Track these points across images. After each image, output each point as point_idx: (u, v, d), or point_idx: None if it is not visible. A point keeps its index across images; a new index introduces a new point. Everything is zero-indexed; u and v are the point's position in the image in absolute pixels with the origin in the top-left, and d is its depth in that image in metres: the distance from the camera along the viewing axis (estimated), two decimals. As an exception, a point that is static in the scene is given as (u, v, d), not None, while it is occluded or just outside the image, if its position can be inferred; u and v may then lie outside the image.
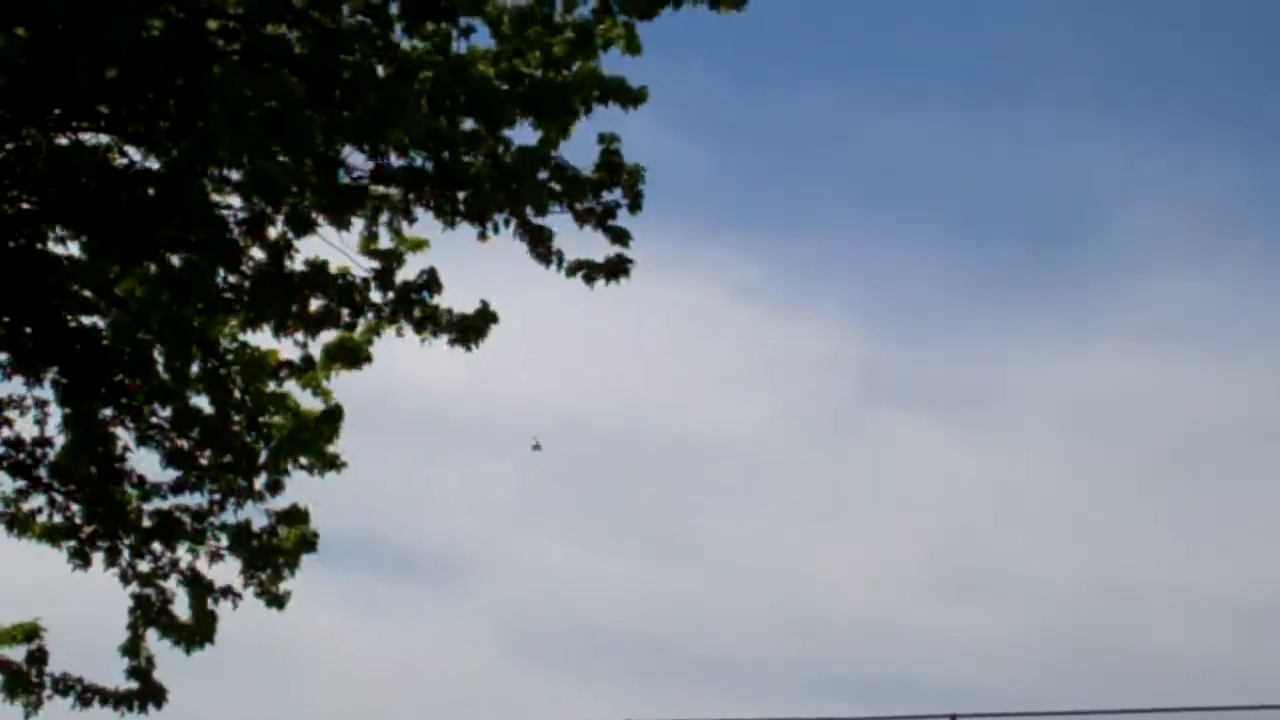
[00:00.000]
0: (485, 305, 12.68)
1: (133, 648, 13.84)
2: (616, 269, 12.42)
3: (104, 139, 11.72)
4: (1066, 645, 33.93)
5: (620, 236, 12.35)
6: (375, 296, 12.68)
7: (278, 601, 13.94)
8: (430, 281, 12.68)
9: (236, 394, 13.30)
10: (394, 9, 11.30)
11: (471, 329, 12.65)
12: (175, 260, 12.03)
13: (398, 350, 13.13)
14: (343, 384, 13.62)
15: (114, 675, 13.81)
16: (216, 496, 13.75)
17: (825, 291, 41.07)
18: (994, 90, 42.30)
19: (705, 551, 37.15)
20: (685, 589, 35.96)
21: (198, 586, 13.82)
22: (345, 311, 12.67)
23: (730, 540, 37.38)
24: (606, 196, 12.30)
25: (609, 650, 33.48)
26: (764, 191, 42.06)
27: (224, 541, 13.82)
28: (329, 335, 12.92)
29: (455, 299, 12.78)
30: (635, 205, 12.31)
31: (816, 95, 41.58)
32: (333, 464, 13.69)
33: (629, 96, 12.07)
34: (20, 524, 13.86)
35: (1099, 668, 32.13)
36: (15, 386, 13.34)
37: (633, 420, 38.04)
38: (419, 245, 12.78)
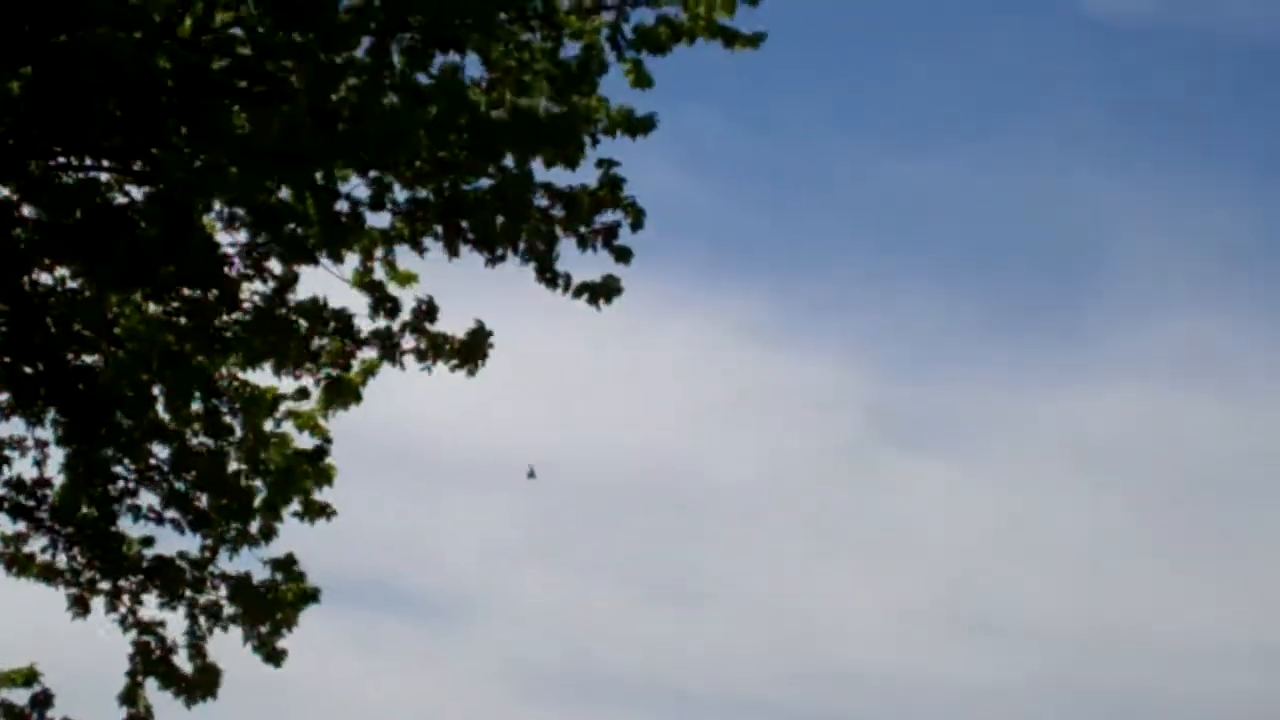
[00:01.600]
0: (480, 325, 12.57)
1: (130, 696, 13.69)
2: (608, 290, 12.29)
3: (105, 176, 11.65)
4: (1072, 687, 33.79)
5: (623, 255, 12.23)
6: (374, 328, 12.64)
7: (275, 658, 13.72)
8: (429, 310, 12.58)
9: (236, 433, 13.22)
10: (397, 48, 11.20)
11: (472, 352, 12.54)
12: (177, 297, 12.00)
13: (398, 387, 13.07)
14: (342, 423, 13.59)
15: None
16: (210, 542, 13.62)
17: (830, 330, 41.05)
18: (998, 128, 42.40)
19: (710, 591, 37.03)
20: (690, 629, 35.85)
21: (196, 636, 13.69)
22: (345, 345, 12.59)
23: (735, 580, 37.26)
24: (608, 217, 12.18)
25: (613, 690, 33.35)
26: (769, 230, 42.10)
27: (223, 591, 13.68)
28: (327, 372, 12.87)
29: (455, 330, 12.71)
30: (636, 224, 12.20)
31: (821, 133, 41.64)
32: (322, 512, 13.60)
33: (637, 126, 12.02)
34: (20, 564, 13.75)
35: (1105, 710, 31.98)
36: (15, 427, 13.29)
37: (636, 458, 37.95)
38: (408, 280, 12.68)
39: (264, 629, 13.63)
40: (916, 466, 39.72)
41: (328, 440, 13.49)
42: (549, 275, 12.29)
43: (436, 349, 12.60)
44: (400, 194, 11.96)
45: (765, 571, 37.00)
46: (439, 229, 12.09)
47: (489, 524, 36.09)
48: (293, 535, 13.82)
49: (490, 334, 12.57)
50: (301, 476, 13.36)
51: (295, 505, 13.53)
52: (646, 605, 36.26)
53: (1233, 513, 37.70)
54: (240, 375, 13.10)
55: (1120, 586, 36.85)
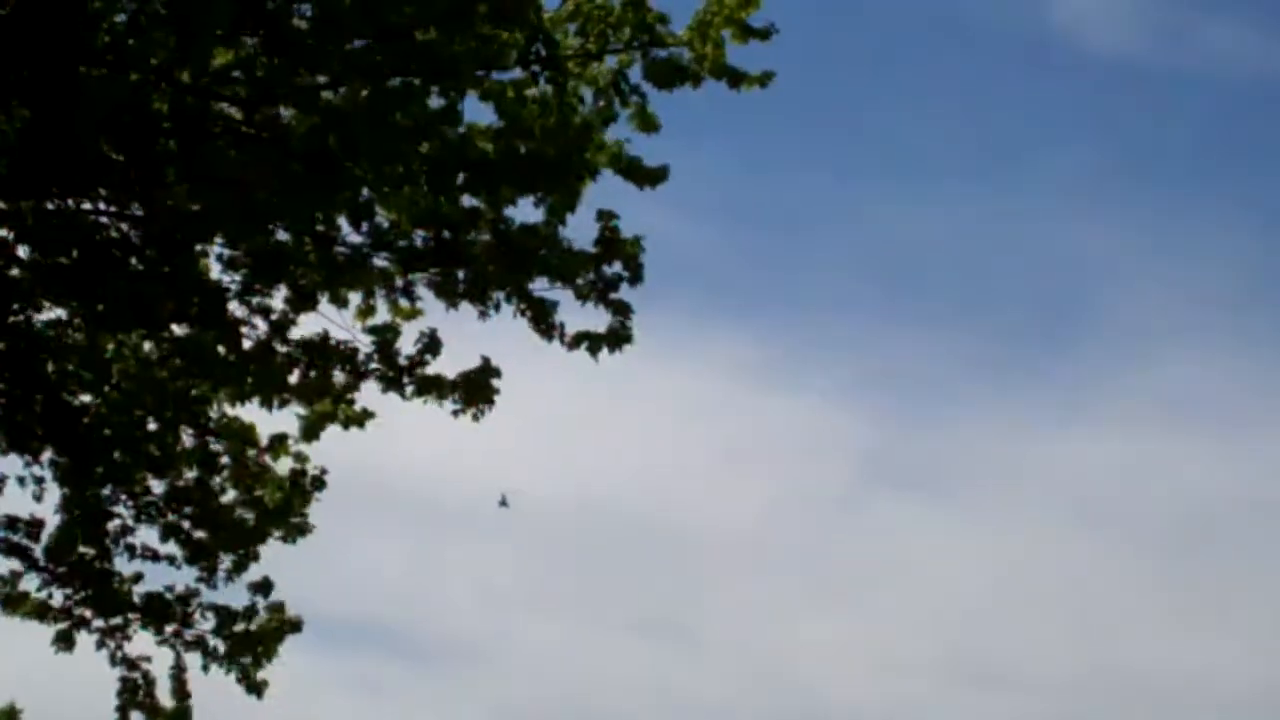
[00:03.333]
0: (486, 361, 12.49)
1: (119, 733, 13.77)
2: (619, 338, 12.21)
3: (103, 218, 11.69)
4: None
5: (621, 309, 12.18)
6: (375, 367, 12.55)
7: (256, 689, 13.76)
8: (431, 344, 12.50)
9: (226, 468, 13.27)
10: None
11: (477, 393, 12.47)
12: (176, 332, 12.01)
13: (399, 433, 13.06)
14: (341, 468, 13.69)
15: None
16: (204, 575, 13.68)
17: (825, 373, 41.16)
18: (995, 174, 42.59)
19: (704, 636, 37.02)
20: (683, 673, 35.80)
21: (180, 670, 13.74)
22: (344, 378, 12.60)
23: (730, 623, 37.26)
24: (607, 271, 12.10)
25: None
26: (765, 273, 42.27)
27: (210, 624, 13.71)
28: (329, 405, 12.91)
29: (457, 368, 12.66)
30: (636, 278, 12.12)
31: (817, 178, 41.84)
32: (301, 531, 13.60)
33: (646, 176, 11.96)
34: (12, 602, 13.78)
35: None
36: (11, 465, 13.33)
37: (632, 503, 38.00)
38: (414, 314, 12.62)
39: (246, 660, 13.67)
40: (910, 512, 39.79)
41: (322, 471, 13.50)
42: (545, 326, 12.24)
43: (439, 386, 12.52)
44: (398, 241, 11.93)
45: (759, 617, 37.04)
46: (432, 276, 12.05)
47: (486, 568, 36.16)
48: (286, 575, 13.99)
49: (496, 372, 12.48)
50: (293, 504, 13.42)
51: (278, 531, 13.58)
52: (640, 650, 36.25)
53: (1226, 556, 37.72)
54: (229, 410, 13.13)
55: (1115, 631, 36.85)
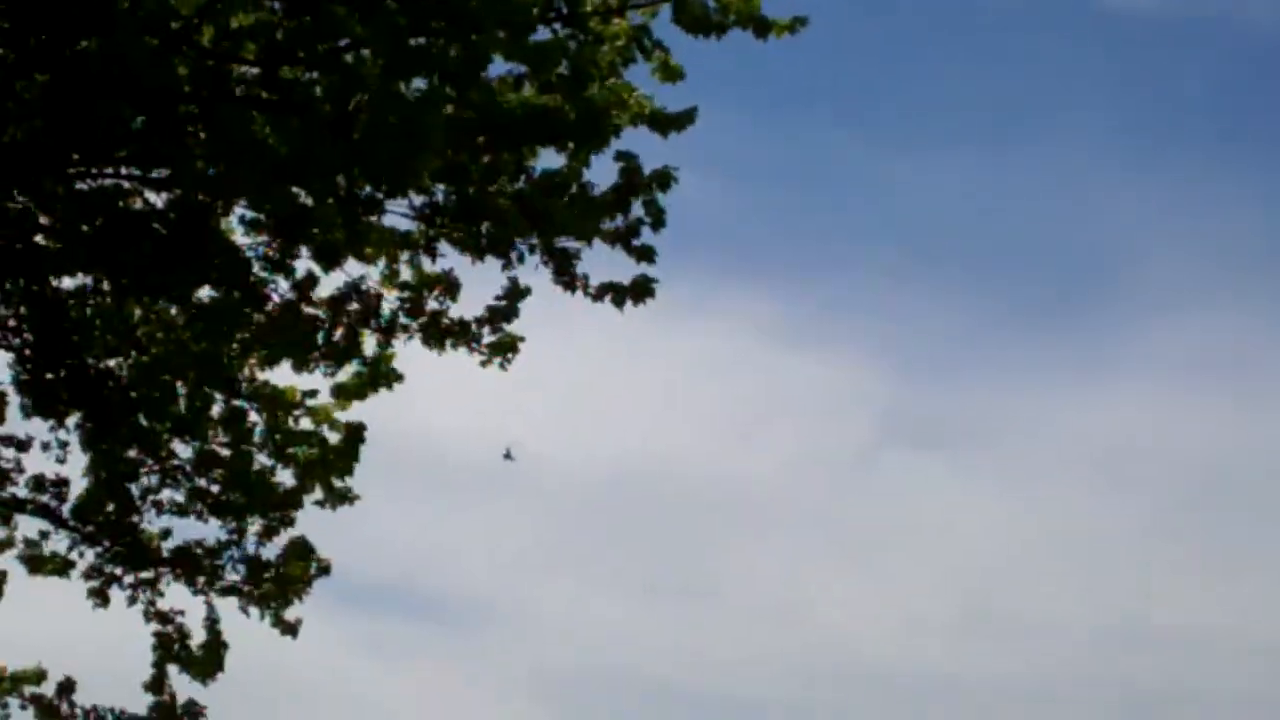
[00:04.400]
0: (514, 283, 12.39)
1: (156, 685, 13.93)
2: (641, 290, 12.09)
3: (125, 184, 11.74)
4: (1088, 686, 33.79)
5: (645, 254, 12.02)
6: (401, 318, 12.58)
7: (291, 630, 13.96)
8: (450, 287, 12.50)
9: (259, 432, 13.39)
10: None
11: (501, 333, 12.50)
12: (202, 298, 12.08)
13: (420, 395, 13.08)
14: (373, 432, 13.67)
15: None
16: (234, 534, 13.81)
17: (845, 333, 41.10)
18: (1015, 132, 42.38)
19: (726, 594, 37.11)
20: (705, 631, 35.90)
21: (213, 619, 13.92)
22: (372, 335, 12.63)
23: (752, 583, 37.36)
24: (629, 215, 11.93)
25: (632, 694, 33.41)
26: (784, 233, 42.12)
27: (240, 575, 13.86)
28: (351, 368, 12.94)
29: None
30: (657, 222, 11.95)
31: (838, 137, 41.70)
32: (345, 498, 13.66)
33: (671, 122, 11.69)
34: (40, 563, 13.94)
35: (1121, 709, 31.98)
36: (37, 428, 13.46)
37: (654, 463, 38.04)
38: (439, 281, 12.60)
39: (275, 603, 13.83)
40: (931, 469, 39.81)
41: (352, 424, 13.52)
42: (567, 278, 12.15)
43: (465, 334, 12.49)
44: (416, 198, 11.89)
45: (781, 574, 37.11)
46: (456, 233, 12.02)
47: (505, 529, 36.23)
48: (315, 536, 14.06)
49: (524, 291, 12.35)
50: (330, 465, 13.46)
51: (317, 493, 13.63)
52: (661, 608, 36.36)
53: (1247, 512, 37.72)
54: (260, 375, 13.21)
55: (1137, 586, 36.85)
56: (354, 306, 12.47)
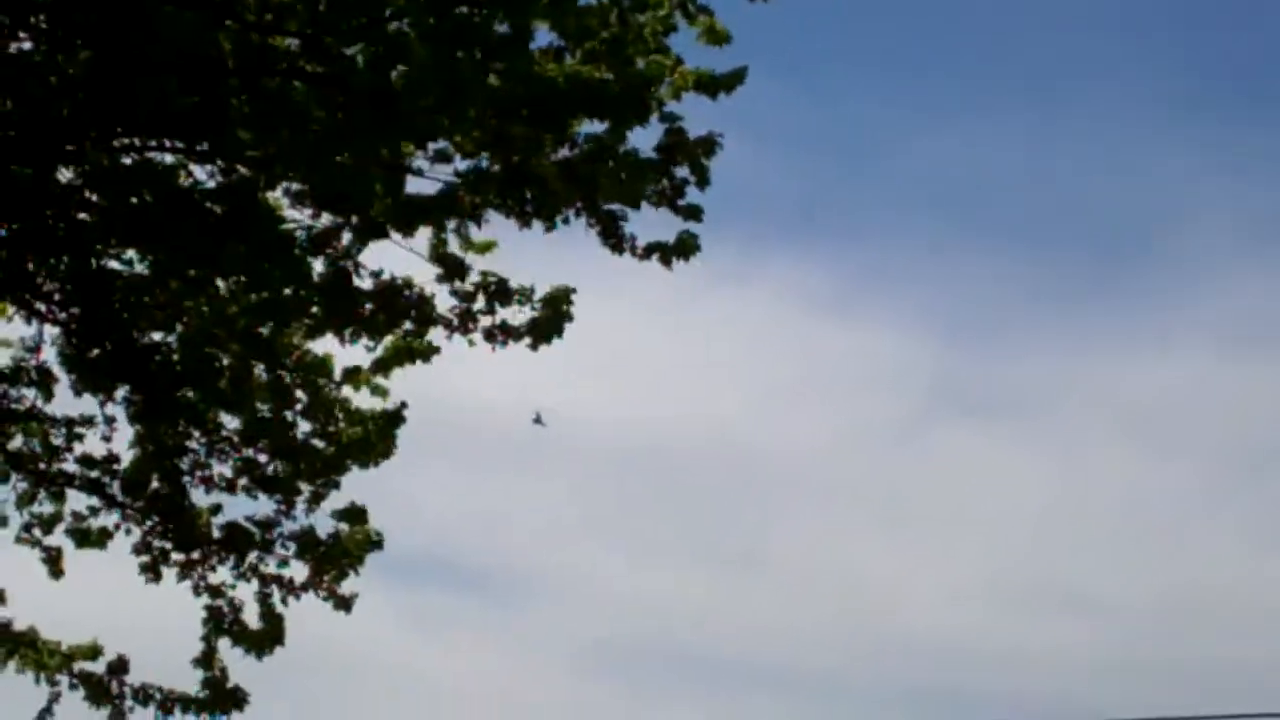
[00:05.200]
0: (561, 291, 12.45)
1: (207, 660, 13.93)
2: (686, 247, 12.09)
3: (169, 158, 11.74)
4: (1135, 655, 33.66)
5: (692, 213, 12.03)
6: (443, 306, 12.63)
7: (345, 604, 13.98)
8: (499, 291, 12.56)
9: (301, 401, 13.39)
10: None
11: (548, 326, 12.48)
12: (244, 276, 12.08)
13: (466, 367, 13.10)
14: (413, 401, 13.69)
15: (189, 688, 13.96)
16: (282, 508, 13.82)
17: (890, 302, 40.98)
18: (1060, 96, 42.10)
19: (773, 563, 37.10)
20: (753, 601, 35.91)
21: (265, 591, 13.89)
22: (413, 323, 12.64)
23: (799, 553, 37.33)
24: (674, 176, 11.92)
25: (679, 665, 33.43)
26: (828, 201, 41.96)
27: (291, 550, 13.87)
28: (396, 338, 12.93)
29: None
30: (702, 181, 11.94)
31: (880, 103, 41.48)
32: (385, 454, 13.67)
33: (720, 84, 11.69)
34: (88, 538, 13.98)
35: (1167, 677, 31.86)
36: (86, 404, 13.48)
37: (699, 434, 38.01)
38: (487, 248, 12.66)
39: (329, 578, 13.83)
40: (978, 437, 39.67)
41: (392, 405, 13.55)
42: (615, 239, 12.15)
43: (506, 330, 12.57)
44: (461, 164, 11.86)
45: (829, 543, 37.06)
46: (500, 199, 11.98)
47: (550, 500, 36.26)
48: (353, 497, 14.03)
49: (568, 294, 12.43)
50: (376, 440, 13.49)
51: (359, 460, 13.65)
52: (709, 579, 36.35)
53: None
54: (303, 345, 13.21)
55: (1183, 554, 36.70)
56: (402, 300, 12.47)
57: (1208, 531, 37.07)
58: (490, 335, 12.67)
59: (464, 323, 12.66)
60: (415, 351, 13.10)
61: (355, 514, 13.87)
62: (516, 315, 12.66)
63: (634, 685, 33.58)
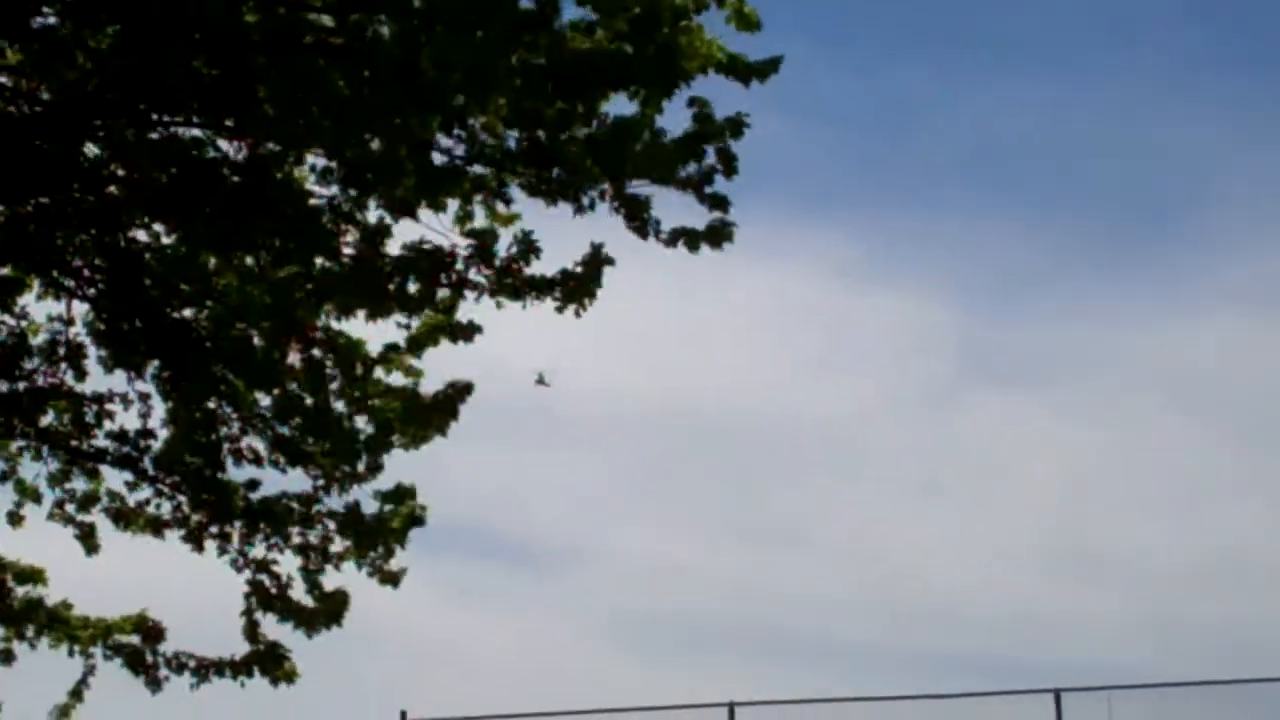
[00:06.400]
0: (596, 250, 12.16)
1: (251, 634, 14.01)
2: (719, 235, 11.91)
3: (196, 132, 11.73)
4: (1174, 620, 33.58)
5: (719, 203, 11.86)
6: (473, 275, 12.39)
7: (392, 579, 14.00)
8: (527, 247, 12.31)
9: (335, 381, 13.37)
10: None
11: (580, 288, 12.22)
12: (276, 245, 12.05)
13: (498, 339, 13.04)
14: (441, 376, 13.66)
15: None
16: (321, 482, 13.82)
17: (922, 268, 40.81)
18: (1090, 61, 41.86)
19: (806, 534, 37.07)
20: (786, 572, 35.90)
21: (311, 568, 13.93)
22: (444, 291, 12.53)
23: (830, 522, 37.29)
24: (702, 161, 11.73)
25: (712, 634, 33.44)
26: (857, 170, 41.84)
27: (332, 526, 13.89)
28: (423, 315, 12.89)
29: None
30: (729, 169, 11.77)
31: (909, 71, 41.31)
32: (426, 437, 13.65)
33: (753, 71, 11.52)
34: (127, 517, 14.02)
35: (1206, 642, 31.76)
36: (117, 381, 13.50)
37: (731, 403, 37.96)
38: (511, 220, 12.53)
39: (375, 554, 13.84)
40: (1011, 404, 39.53)
41: (460, 382, 13.47)
42: (639, 224, 12.01)
43: (540, 286, 12.30)
44: (486, 139, 11.76)
45: (861, 513, 37.00)
46: (527, 177, 11.89)
47: (585, 473, 36.29)
48: (395, 476, 14.03)
49: (607, 260, 12.15)
50: (427, 417, 13.49)
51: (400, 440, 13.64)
52: (742, 548, 36.36)
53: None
54: (334, 325, 13.19)
55: (1220, 519, 36.54)
56: (427, 262, 12.29)
57: (1247, 495, 36.88)
58: (518, 291, 12.33)
59: (499, 278, 12.36)
60: (455, 330, 12.94)
61: (403, 494, 13.88)
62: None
63: (666, 655, 33.62)
